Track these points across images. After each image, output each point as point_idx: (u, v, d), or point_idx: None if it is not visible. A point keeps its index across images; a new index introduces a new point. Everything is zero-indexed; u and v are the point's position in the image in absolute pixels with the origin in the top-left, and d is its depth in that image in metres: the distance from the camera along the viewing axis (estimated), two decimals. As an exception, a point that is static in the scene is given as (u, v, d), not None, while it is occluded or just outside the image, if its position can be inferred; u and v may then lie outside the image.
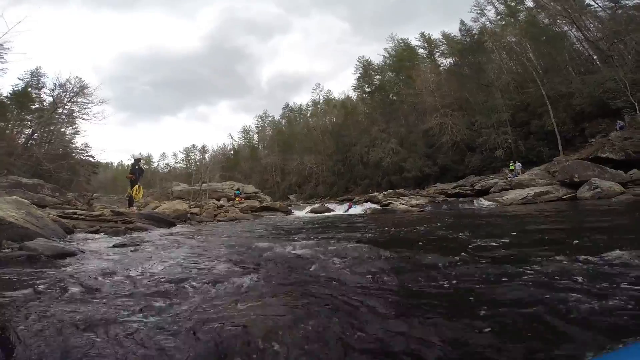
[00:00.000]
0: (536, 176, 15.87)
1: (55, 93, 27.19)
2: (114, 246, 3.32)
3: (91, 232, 5.29)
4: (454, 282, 1.72)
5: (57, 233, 4.12)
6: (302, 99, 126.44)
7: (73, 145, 29.41)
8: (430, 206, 15.47)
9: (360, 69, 42.76)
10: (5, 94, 27.97)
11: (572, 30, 25.25)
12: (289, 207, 20.03)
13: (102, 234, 4.91)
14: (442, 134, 28.20)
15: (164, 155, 73.49)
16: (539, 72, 24.43)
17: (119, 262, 2.49)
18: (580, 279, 1.59)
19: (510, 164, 20.17)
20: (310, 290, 1.69)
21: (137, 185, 8.71)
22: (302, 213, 18.50)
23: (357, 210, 17.92)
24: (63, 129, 29.45)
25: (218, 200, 21.04)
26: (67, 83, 26.32)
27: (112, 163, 71.02)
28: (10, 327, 1.18)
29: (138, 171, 9.07)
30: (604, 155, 14.39)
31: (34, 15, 27.75)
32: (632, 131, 15.58)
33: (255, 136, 64.86)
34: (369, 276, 1.94)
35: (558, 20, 25.73)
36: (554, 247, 2.46)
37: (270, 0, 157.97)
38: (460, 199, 16.84)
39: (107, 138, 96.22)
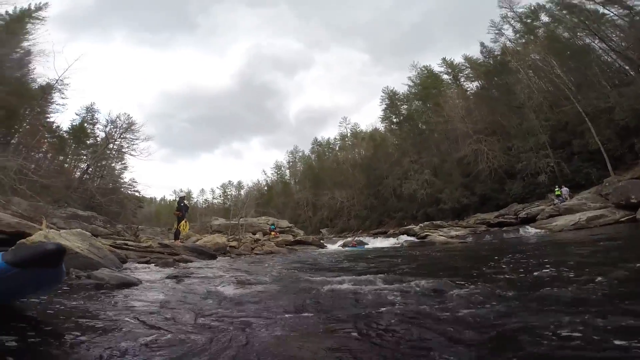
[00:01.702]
0: (587, 200, 14.63)
1: (107, 129, 29.65)
2: (167, 277, 3.53)
3: (142, 262, 5.62)
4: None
5: (114, 263, 4.45)
6: (329, 132, 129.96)
7: (122, 180, 30.86)
8: (472, 237, 14.60)
9: (386, 99, 42.80)
10: (64, 129, 30.30)
11: (596, 42, 24.09)
12: (321, 241, 19.95)
13: (153, 264, 5.20)
14: (477, 161, 27.14)
15: (202, 191, 77.33)
16: (572, 89, 23.16)
17: (175, 293, 2.65)
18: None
19: (556, 189, 18.78)
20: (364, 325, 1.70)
21: (183, 221, 9.24)
22: (335, 247, 18.24)
23: (376, 244, 17.44)
24: (113, 164, 31.15)
25: (254, 234, 21.51)
26: (117, 119, 28.75)
27: (155, 198, 75.78)
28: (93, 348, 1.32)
29: (184, 208, 9.67)
30: (663, 172, 13.07)
31: (90, 52, 31.12)
32: None
33: (287, 172, 66.69)
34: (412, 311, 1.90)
35: (578, 33, 24.87)
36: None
37: (291, 36, 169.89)
38: (504, 228, 15.81)
39: (151, 174, 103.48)
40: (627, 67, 22.51)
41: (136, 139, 27.22)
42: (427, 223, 22.10)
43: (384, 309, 1.93)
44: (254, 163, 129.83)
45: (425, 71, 40.39)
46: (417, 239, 16.62)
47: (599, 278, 2.25)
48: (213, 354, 1.25)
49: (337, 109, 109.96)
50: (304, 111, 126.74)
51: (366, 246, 16.98)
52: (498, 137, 27.82)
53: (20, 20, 23.13)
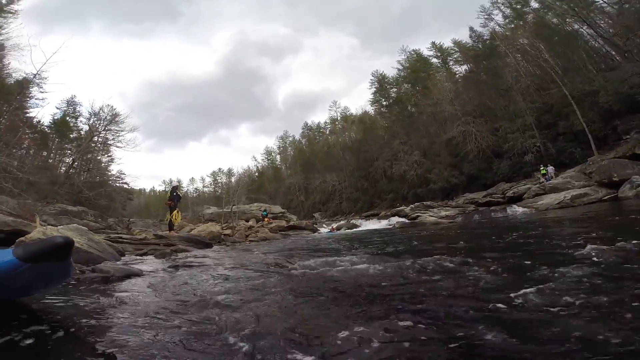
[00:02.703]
0: (571, 178, 15.14)
1: (90, 121, 28.75)
2: (169, 267, 3.62)
3: (139, 254, 5.68)
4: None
5: (114, 256, 4.50)
6: (319, 117, 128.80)
7: (109, 173, 30.34)
8: (461, 217, 15.06)
9: (376, 83, 42.98)
10: (45, 123, 29.29)
11: (584, 28, 24.68)
12: (314, 225, 20.21)
13: (151, 256, 5.27)
14: (466, 142, 27.61)
15: (192, 180, 76.53)
16: (558, 73, 23.76)
17: (179, 281, 2.75)
18: None
19: (542, 168, 19.35)
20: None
21: (175, 211, 9.24)
22: (327, 230, 18.53)
23: (371, 225, 17.82)
24: (99, 157, 30.45)
25: (247, 221, 21.60)
26: (101, 111, 27.86)
27: (144, 189, 74.73)
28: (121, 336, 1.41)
29: (176, 198, 9.65)
30: (643, 152, 13.58)
31: (69, 44, 29.61)
32: None
33: (278, 157, 66.33)
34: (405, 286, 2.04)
35: (567, 19, 25.25)
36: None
37: (278, 22, 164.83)
38: (492, 208, 16.29)
39: (139, 165, 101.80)
40: (613, 53, 23.10)
41: (121, 131, 26.50)
42: (417, 204, 22.58)
43: (396, 286, 2.07)
44: (243, 150, 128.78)
45: (415, 55, 40.46)
46: (408, 220, 16.97)
47: (588, 255, 2.44)
48: (228, 337, 1.35)
49: (326, 93, 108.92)
50: (292, 96, 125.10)
51: (358, 228, 17.33)
52: (486, 118, 28.30)
53: None
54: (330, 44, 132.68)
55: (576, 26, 25.10)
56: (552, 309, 1.39)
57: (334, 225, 19.47)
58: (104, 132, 27.59)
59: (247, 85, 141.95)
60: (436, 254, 3.35)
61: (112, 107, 28.39)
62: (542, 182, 17.44)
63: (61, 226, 4.65)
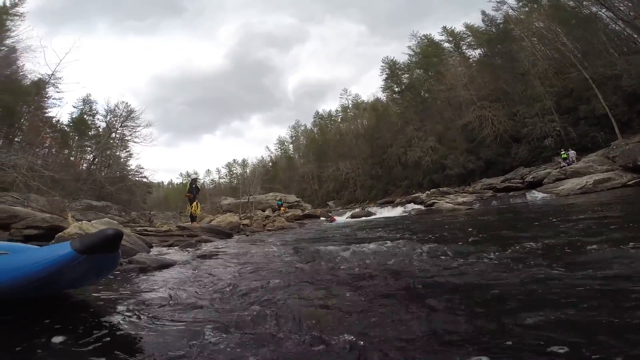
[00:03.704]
0: (594, 163, 14.63)
1: (107, 118, 29.56)
2: (198, 257, 3.81)
3: (166, 245, 5.95)
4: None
5: (144, 248, 4.75)
6: (329, 105, 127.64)
7: (129, 168, 30.85)
8: (479, 203, 14.83)
9: (387, 69, 42.31)
10: (64, 122, 30.38)
11: (602, 11, 23.45)
12: (329, 214, 20.37)
13: (176, 247, 5.52)
14: (482, 127, 26.92)
15: (208, 172, 77.89)
16: (578, 56, 22.88)
17: (212, 270, 2.92)
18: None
19: (562, 152, 18.72)
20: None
21: (195, 202, 9.54)
22: (343, 219, 18.50)
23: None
24: (118, 153, 31.27)
25: (263, 211, 22.05)
26: (116, 108, 28.61)
27: (163, 182, 76.73)
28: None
29: (195, 190, 9.93)
30: (670, 135, 12.91)
31: (80, 44, 30.29)
32: None
33: (291, 146, 66.57)
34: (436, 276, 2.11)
35: (584, 2, 23.99)
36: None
37: (283, 12, 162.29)
38: (511, 193, 15.95)
39: (156, 159, 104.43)
40: (635, 36, 21.98)
41: (137, 126, 27.12)
42: (433, 190, 22.32)
43: (426, 272, 2.15)
44: (255, 141, 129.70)
45: (426, 40, 39.50)
46: (424, 207, 16.85)
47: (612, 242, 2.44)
48: (270, 320, 1.47)
49: (335, 81, 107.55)
50: (302, 85, 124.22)
51: (374, 216, 17.33)
52: (502, 103, 27.55)
53: None
54: (337, 32, 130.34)
55: (594, 9, 23.98)
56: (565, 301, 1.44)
57: (332, 216, 19.10)
58: (121, 128, 28.30)
59: (257, 77, 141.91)
60: (456, 242, 3.40)
61: (127, 103, 29.04)
62: (563, 166, 16.91)
63: (94, 220, 4.92)
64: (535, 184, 15.99)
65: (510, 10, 30.18)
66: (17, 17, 23.83)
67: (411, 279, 2.07)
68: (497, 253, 2.50)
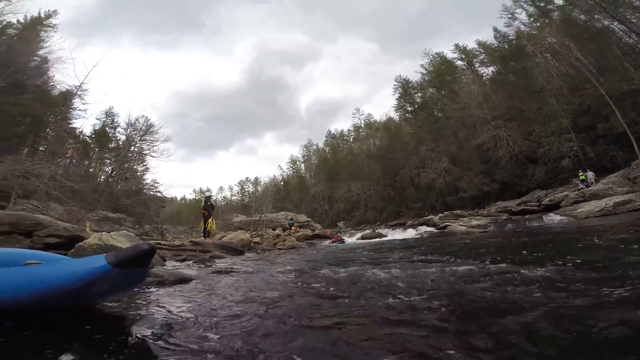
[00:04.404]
0: (613, 184, 14.19)
1: (128, 132, 30.48)
2: (213, 272, 3.86)
3: (179, 260, 6.03)
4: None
5: (159, 262, 4.84)
6: (341, 124, 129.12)
7: (145, 182, 31.54)
8: (493, 226, 14.47)
9: (399, 88, 42.28)
10: (87, 134, 31.02)
11: (615, 24, 23.11)
12: (338, 234, 20.16)
13: (190, 261, 5.58)
14: (497, 147, 26.52)
15: (221, 189, 79.04)
16: (592, 72, 22.28)
17: (229, 286, 2.97)
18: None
19: (580, 174, 18.20)
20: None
21: (210, 219, 9.70)
22: (353, 240, 18.14)
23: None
24: (135, 166, 31.79)
25: (274, 229, 22.07)
26: (137, 122, 29.53)
27: (176, 197, 78.11)
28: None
29: (210, 207, 10.13)
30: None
31: (107, 57, 31.61)
32: None
33: (302, 166, 67.15)
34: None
35: (596, 16, 23.78)
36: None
37: (297, 30, 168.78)
38: (527, 216, 15.52)
39: (171, 174, 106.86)
40: None
41: (156, 141, 27.90)
42: (446, 213, 21.95)
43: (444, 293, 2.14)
44: (268, 159, 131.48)
45: (438, 58, 39.54)
46: (437, 229, 16.51)
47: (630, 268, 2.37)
48: (288, 337, 1.49)
49: (347, 100, 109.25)
50: (314, 104, 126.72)
51: (385, 238, 17.01)
52: (517, 122, 27.09)
53: (33, 29, 23.94)
54: (349, 50, 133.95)
55: (606, 22, 23.57)
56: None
57: (339, 234, 18.59)
58: (140, 142, 29.08)
59: (271, 94, 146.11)
60: (471, 264, 3.34)
61: (147, 117, 29.91)
62: (581, 188, 16.41)
63: (113, 232, 5.07)
64: (552, 207, 15.54)
65: (522, 26, 30.28)
66: (50, 29, 25.12)
67: (429, 303, 2.06)
68: (516, 274, 2.45)
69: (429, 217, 21.92)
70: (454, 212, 21.97)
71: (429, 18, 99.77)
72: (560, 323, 1.44)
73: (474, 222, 16.48)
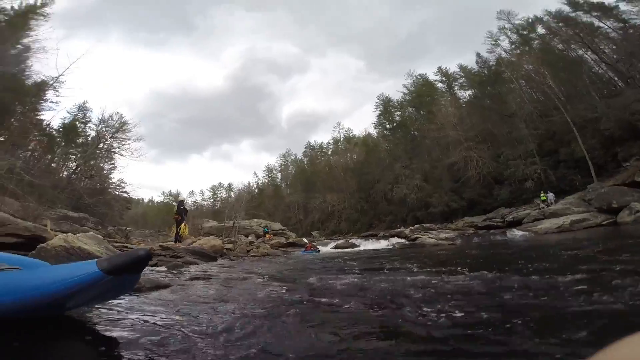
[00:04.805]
0: (571, 205, 15.35)
1: (99, 128, 28.72)
2: (190, 279, 3.74)
3: (150, 265, 5.77)
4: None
5: (130, 267, 4.62)
6: (321, 137, 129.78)
7: (110, 181, 29.75)
8: (461, 239, 15.10)
9: (381, 106, 43.61)
10: (55, 127, 28.70)
11: (588, 54, 25.14)
12: (313, 243, 20.16)
13: (162, 267, 5.37)
14: (467, 167, 27.81)
15: (192, 193, 76.37)
16: (561, 99, 23.95)
17: (209, 293, 2.90)
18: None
19: (542, 195, 19.54)
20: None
21: (183, 224, 9.38)
22: (328, 249, 18.31)
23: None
24: (102, 164, 29.84)
25: (246, 236, 21.61)
26: (110, 119, 28.00)
27: (142, 199, 74.53)
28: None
29: (183, 211, 9.81)
30: (641, 180, 13.88)
31: (92, 51, 29.75)
32: None
33: (279, 174, 66.73)
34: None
35: (572, 45, 25.81)
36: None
37: (289, 41, 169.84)
38: (492, 231, 16.38)
39: (139, 174, 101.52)
40: (616, 79, 23.52)
41: (128, 139, 26.60)
42: (417, 226, 22.63)
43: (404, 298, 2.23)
44: (244, 166, 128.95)
45: (421, 79, 41.09)
46: (408, 241, 16.91)
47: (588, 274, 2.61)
48: (269, 343, 1.51)
49: (329, 113, 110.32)
50: (296, 115, 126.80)
51: (358, 248, 17.22)
52: (488, 144, 28.64)
53: (24, 16, 22.54)
54: (337, 65, 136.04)
55: (580, 52, 25.42)
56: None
57: (313, 243, 18.46)
58: (111, 139, 27.64)
59: (253, 101, 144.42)
60: (439, 273, 3.50)
61: (122, 115, 28.51)
62: (542, 207, 17.60)
63: (79, 234, 4.79)
64: (515, 224, 16.51)
65: (503, 53, 32.04)
66: (42, 17, 23.68)
67: (398, 309, 2.15)
68: (480, 281, 2.61)
69: (400, 229, 22.48)
70: (424, 225, 22.70)
71: (417, 40, 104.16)
72: (523, 315, 1.58)
73: (443, 235, 17.09)
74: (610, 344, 0.17)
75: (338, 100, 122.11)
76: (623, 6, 22.84)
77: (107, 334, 1.72)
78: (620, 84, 23.01)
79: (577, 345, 1.30)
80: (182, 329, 1.72)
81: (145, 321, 1.90)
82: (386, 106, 43.20)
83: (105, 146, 28.43)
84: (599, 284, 2.21)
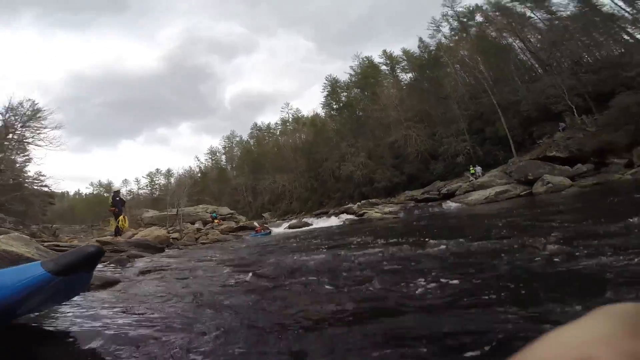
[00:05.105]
0: (495, 177, 17.41)
1: (7, 117, 24.81)
2: (140, 274, 3.52)
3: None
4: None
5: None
6: (268, 118, 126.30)
7: (26, 175, 26.10)
8: (403, 212, 16.30)
9: (329, 87, 44.55)
10: None
11: (517, 42, 28.25)
12: (265, 225, 20.03)
13: (106, 262, 4.95)
14: (407, 145, 29.95)
15: (125, 182, 69.62)
16: (490, 83, 26.85)
17: (159, 288, 2.77)
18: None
19: (471, 168, 21.86)
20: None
21: (121, 216, 8.61)
22: (281, 229, 18.31)
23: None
24: (14, 157, 25.79)
25: (193, 224, 20.62)
26: (20, 107, 24.25)
27: (68, 192, 66.12)
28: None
29: (119, 202, 8.96)
30: (552, 154, 16.33)
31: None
32: (572, 131, 17.78)
33: (223, 157, 64.03)
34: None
35: (504, 34, 28.71)
36: (523, 235, 3.14)
37: (235, 20, 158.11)
38: (430, 203, 17.95)
39: (61, 165, 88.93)
40: (537, 66, 26.77)
41: (43, 128, 23.12)
42: (364, 202, 23.86)
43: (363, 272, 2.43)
44: (183, 150, 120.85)
45: (367, 61, 42.61)
46: (357, 216, 17.75)
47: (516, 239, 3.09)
48: (226, 337, 1.56)
49: (277, 94, 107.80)
50: (242, 96, 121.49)
51: (311, 226, 17.59)
52: (425, 124, 30.99)
53: None
54: (286, 46, 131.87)
55: (510, 40, 28.40)
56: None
57: (265, 224, 18.47)
58: (22, 129, 23.86)
59: (193, 83, 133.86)
60: (391, 245, 3.85)
61: (34, 102, 24.67)
62: (472, 180, 19.75)
63: (1, 236, 4.17)
64: (449, 196, 18.33)
65: (443, 39, 34.47)
66: None
67: (359, 283, 2.35)
68: (426, 249, 2.96)
69: (349, 205, 23.49)
70: (370, 200, 24.03)
71: (367, 22, 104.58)
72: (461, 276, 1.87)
73: (387, 209, 18.29)
74: (528, 345, 0.18)
75: (287, 81, 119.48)
76: (555, -1, 25.60)
77: (60, 339, 1.60)
78: (540, 70, 26.21)
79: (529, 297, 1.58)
80: (140, 329, 1.65)
81: (99, 322, 1.79)
82: (334, 87, 44.17)
83: (15, 137, 24.47)
84: (528, 247, 2.64)
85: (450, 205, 15.16)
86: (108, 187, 59.51)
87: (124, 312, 1.97)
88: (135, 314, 1.91)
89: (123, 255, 5.73)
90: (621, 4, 22.06)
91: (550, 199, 9.80)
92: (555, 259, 2.09)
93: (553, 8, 25.99)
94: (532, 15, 27.51)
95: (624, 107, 14.77)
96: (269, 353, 1.28)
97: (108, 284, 2.83)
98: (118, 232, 8.66)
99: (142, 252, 7.12)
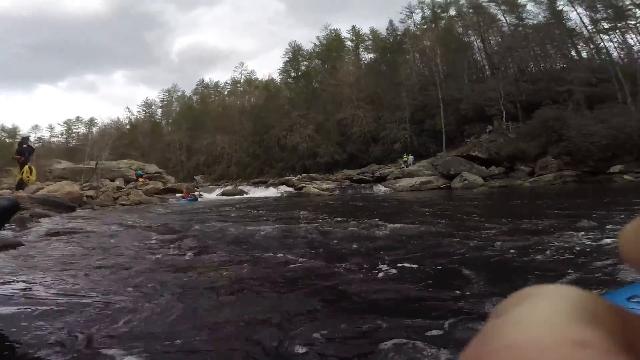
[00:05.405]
0: (423, 168, 19.08)
1: None
2: (47, 235, 3.27)
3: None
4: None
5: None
6: (217, 76, 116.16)
7: None
8: (338, 191, 17.21)
9: (290, 53, 42.78)
10: None
11: (477, 42, 29.68)
12: (195, 188, 18.86)
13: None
14: (353, 124, 30.82)
15: (36, 128, 58.97)
16: (441, 77, 28.11)
17: (68, 252, 2.66)
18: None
19: (404, 156, 23.51)
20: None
21: (26, 166, 7.47)
22: (213, 196, 17.50)
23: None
24: None
25: (113, 181, 18.63)
26: None
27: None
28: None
29: (27, 150, 7.73)
30: (474, 154, 18.37)
31: None
32: (496, 135, 19.89)
33: (159, 111, 58.20)
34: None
35: (469, 31, 29.97)
36: (434, 221, 3.70)
37: None
38: (363, 185, 19.16)
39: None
40: (487, 68, 28.42)
41: None
42: (304, 175, 24.35)
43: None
44: (114, 99, 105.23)
45: (334, 34, 41.71)
46: (295, 189, 18.17)
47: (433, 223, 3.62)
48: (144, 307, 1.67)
49: (232, 52, 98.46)
50: (192, 49, 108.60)
51: (247, 195, 17.38)
52: (374, 106, 31.85)
53: None
54: (254, 3, 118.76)
55: (473, 39, 29.62)
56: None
57: (196, 188, 17.64)
58: None
59: (139, 29, 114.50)
60: (327, 222, 4.19)
61: None
62: (403, 167, 21.37)
63: None
64: (381, 179, 19.73)
65: (412, 25, 34.85)
66: None
67: (293, 256, 2.60)
68: (352, 228, 3.34)
69: (289, 177, 23.79)
70: (310, 175, 24.60)
71: None
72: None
73: (325, 186, 19.04)
74: (480, 329, 0.16)
75: (246, 40, 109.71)
76: (530, 6, 27.13)
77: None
78: (488, 72, 27.95)
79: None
80: (43, 305, 1.58)
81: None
82: (295, 54, 42.73)
83: None
84: (447, 234, 3.13)
85: (380, 188, 16.42)
86: (13, 132, 49.97)
87: (21, 280, 1.90)
88: (38, 284, 1.85)
89: (25, 213, 5.13)
90: (586, 20, 24.05)
91: (465, 194, 11.26)
92: (471, 244, 2.60)
93: (523, 15, 27.51)
94: (502, 18, 29.18)
95: (544, 119, 16.12)
96: (184, 321, 1.41)
97: (7, 246, 2.60)
98: (21, 185, 7.57)
99: (49, 210, 6.44)
